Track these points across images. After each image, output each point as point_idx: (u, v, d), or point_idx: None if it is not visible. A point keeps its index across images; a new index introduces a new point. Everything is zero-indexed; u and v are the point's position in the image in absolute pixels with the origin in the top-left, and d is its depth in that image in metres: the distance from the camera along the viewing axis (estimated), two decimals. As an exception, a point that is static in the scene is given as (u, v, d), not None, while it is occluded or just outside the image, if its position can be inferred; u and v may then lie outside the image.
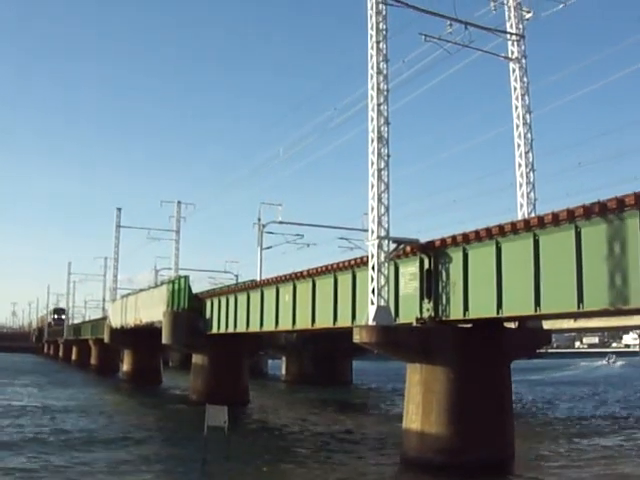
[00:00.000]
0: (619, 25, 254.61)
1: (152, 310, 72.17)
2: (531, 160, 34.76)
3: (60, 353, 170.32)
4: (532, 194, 34.38)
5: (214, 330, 61.28)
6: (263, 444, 40.70)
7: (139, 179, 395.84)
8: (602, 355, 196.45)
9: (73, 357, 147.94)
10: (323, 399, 69.54)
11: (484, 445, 31.84)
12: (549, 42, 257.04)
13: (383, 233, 32.39)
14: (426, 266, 33.73)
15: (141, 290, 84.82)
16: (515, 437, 34.02)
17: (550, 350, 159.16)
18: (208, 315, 62.69)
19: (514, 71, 35.56)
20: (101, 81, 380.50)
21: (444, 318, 32.74)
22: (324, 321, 42.54)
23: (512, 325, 35.08)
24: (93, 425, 47.17)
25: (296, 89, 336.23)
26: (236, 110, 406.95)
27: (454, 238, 32.10)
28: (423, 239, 34.29)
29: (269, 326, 50.54)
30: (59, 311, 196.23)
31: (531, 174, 34.59)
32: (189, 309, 63.49)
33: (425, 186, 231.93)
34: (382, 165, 32.57)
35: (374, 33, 33.25)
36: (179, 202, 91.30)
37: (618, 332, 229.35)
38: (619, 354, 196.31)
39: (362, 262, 37.12)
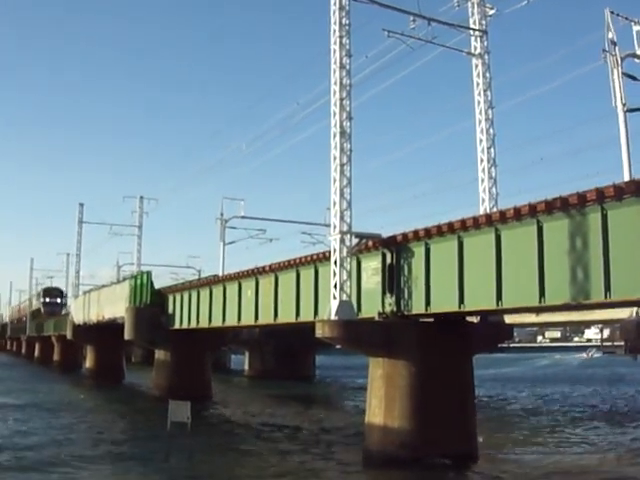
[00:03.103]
0: (581, 22, 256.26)
1: (114, 306, 71.84)
2: (493, 155, 34.82)
3: (23, 350, 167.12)
4: (494, 189, 34.46)
5: (176, 325, 61.16)
6: (226, 439, 40.69)
7: (101, 175, 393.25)
8: (565, 349, 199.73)
9: (36, 354, 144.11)
10: (285, 394, 69.50)
11: (447, 439, 31.87)
12: (512, 38, 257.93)
13: (345, 228, 32.43)
14: (388, 261, 33.78)
15: (103, 286, 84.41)
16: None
17: (512, 344, 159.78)
18: (170, 311, 62.55)
19: (477, 67, 35.59)
20: (59, 78, 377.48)
21: (406, 312, 32.79)
22: (287, 316, 42.54)
23: (474, 319, 35.22)
24: (52, 423, 46.70)
25: (259, 84, 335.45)
26: (199, 105, 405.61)
27: (416, 233, 32.14)
28: (386, 234, 34.39)
29: (231, 321, 50.52)
30: (52, 293, 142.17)
31: (493, 169, 34.67)
32: (151, 305, 63.31)
33: (388, 181, 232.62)
34: (344, 160, 32.59)
35: (337, 28, 33.24)
36: (141, 197, 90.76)
37: (580, 327, 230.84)
38: (581, 348, 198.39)
39: (324, 257, 37.13)
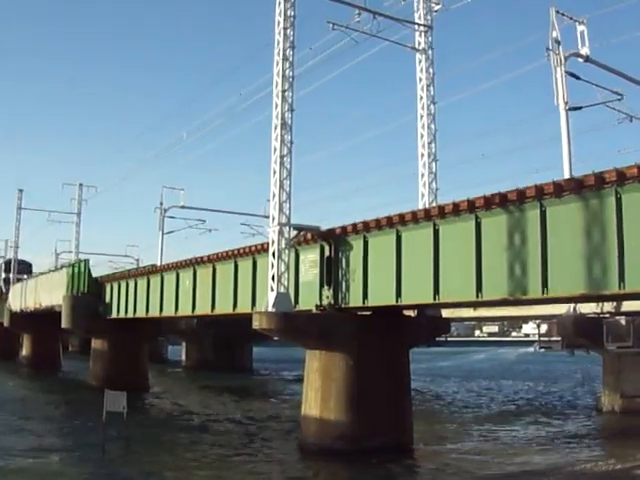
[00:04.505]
0: (527, 20, 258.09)
1: (52, 294, 71.25)
2: (434, 150, 35.03)
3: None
4: (434, 184, 34.67)
5: (114, 315, 60.81)
6: (162, 431, 40.63)
7: (40, 161, 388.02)
8: (503, 344, 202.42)
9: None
10: (223, 386, 69.22)
11: (383, 431, 32.16)
12: (458, 34, 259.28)
13: (284, 220, 32.39)
14: (326, 253, 33.92)
15: (41, 273, 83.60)
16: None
17: (450, 338, 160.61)
18: (108, 299, 62.16)
19: (420, 62, 35.75)
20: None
21: (343, 305, 32.98)
22: (224, 307, 42.53)
23: (411, 313, 35.42)
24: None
25: (202, 73, 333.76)
26: (140, 92, 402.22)
27: (355, 226, 32.31)
28: (328, 226, 34.55)
29: (169, 311, 50.37)
30: (17, 267, 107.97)
31: (433, 164, 34.89)
32: (89, 293, 62.92)
33: (330, 173, 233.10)
34: (285, 152, 32.56)
35: (282, 19, 33.13)
36: (81, 184, 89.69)
37: (518, 321, 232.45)
38: (519, 343, 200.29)
39: (263, 248, 37.14)
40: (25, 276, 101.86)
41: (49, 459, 31.12)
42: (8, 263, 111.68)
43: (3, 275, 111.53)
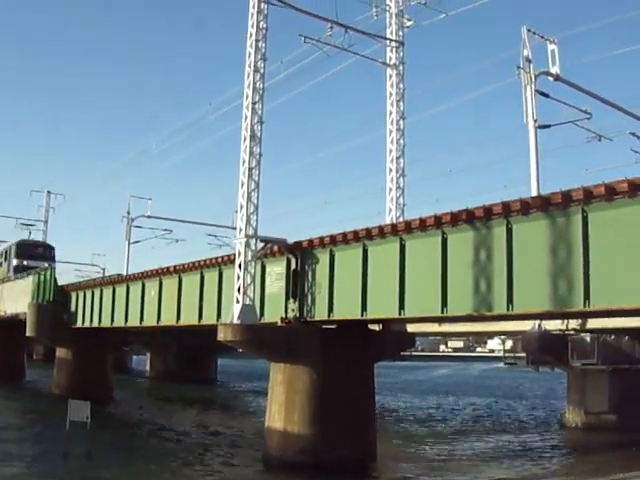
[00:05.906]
0: (498, 38, 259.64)
1: (17, 301, 70.44)
2: (402, 165, 35.04)
3: None
4: (401, 199, 34.68)
5: (79, 324, 60.21)
6: (126, 441, 40.38)
7: (8, 167, 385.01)
8: (469, 359, 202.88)
9: None
10: (187, 397, 68.93)
11: (346, 445, 31.98)
12: (429, 50, 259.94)
13: (251, 232, 32.31)
14: (293, 266, 33.84)
15: (7, 280, 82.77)
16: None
17: (415, 353, 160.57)
18: (73, 308, 61.61)
19: (391, 77, 35.82)
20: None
21: (309, 318, 32.90)
22: (189, 318, 42.32)
23: (377, 327, 35.44)
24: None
25: (173, 82, 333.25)
26: (109, 101, 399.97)
27: (321, 240, 32.29)
28: (293, 239, 34.46)
29: (134, 321, 49.97)
30: (34, 251, 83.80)
31: (401, 179, 34.89)
32: (54, 302, 62.17)
33: (299, 187, 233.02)
34: (253, 164, 32.48)
35: (254, 31, 33.10)
36: (49, 192, 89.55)
37: (483, 337, 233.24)
38: (484, 359, 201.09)
39: (229, 260, 36.99)
40: (46, 264, 74.97)
41: (9, 468, 30.84)
42: (21, 245, 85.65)
43: (14, 261, 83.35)
